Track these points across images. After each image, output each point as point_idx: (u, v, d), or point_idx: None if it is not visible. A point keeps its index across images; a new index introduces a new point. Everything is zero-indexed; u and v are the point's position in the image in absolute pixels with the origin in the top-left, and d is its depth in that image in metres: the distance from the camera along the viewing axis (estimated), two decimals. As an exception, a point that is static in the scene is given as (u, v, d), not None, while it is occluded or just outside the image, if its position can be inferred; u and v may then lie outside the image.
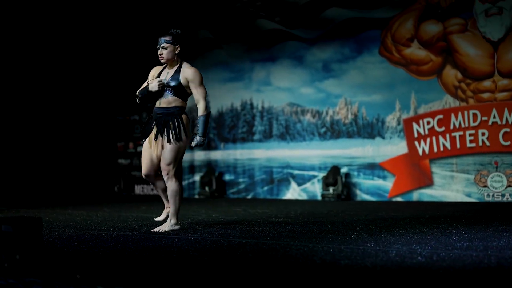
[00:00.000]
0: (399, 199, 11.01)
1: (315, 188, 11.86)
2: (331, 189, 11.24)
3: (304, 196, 11.95)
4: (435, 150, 10.75)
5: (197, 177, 13.23)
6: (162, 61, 6.10)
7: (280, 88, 12.39)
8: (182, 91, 5.99)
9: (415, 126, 10.95)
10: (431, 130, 10.80)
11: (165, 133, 5.93)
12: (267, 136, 12.51)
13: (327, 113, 11.88)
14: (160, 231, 5.76)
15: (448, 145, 10.64)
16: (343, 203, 10.49)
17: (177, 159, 5.92)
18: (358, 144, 11.55)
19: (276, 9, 12.31)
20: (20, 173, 12.56)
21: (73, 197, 12.78)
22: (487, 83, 10.37)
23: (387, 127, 11.26)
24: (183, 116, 6.07)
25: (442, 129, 10.70)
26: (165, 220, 6.07)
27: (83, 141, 13.74)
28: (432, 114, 10.82)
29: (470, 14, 10.51)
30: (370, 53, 11.40)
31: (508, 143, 10.16)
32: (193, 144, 5.98)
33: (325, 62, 11.90)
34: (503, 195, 10.17)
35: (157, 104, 6.07)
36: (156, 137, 5.96)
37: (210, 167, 13.02)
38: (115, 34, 13.78)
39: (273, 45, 12.40)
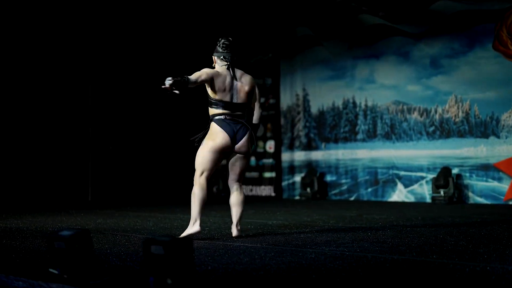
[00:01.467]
0: (516, 202, 10.36)
1: (424, 190, 11.32)
2: (442, 191, 10.68)
3: (411, 198, 11.44)
4: (557, 150, 10.06)
5: (297, 178, 12.92)
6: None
7: (385, 86, 11.91)
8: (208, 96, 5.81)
9: (533, 124, 10.27)
10: (552, 129, 10.10)
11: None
12: (371, 135, 12.05)
13: (435, 111, 11.32)
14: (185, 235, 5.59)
15: None
16: (457, 207, 9.95)
17: (199, 164, 5.66)
18: (470, 144, 10.94)
19: (380, 3, 11.83)
20: (28, 174, 11.99)
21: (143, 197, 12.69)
22: None
23: (502, 126, 10.61)
24: (212, 124, 5.78)
25: None
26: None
27: (164, 140, 13.62)
28: (553, 112, 10.12)
29: None
30: (483, 47, 10.77)
31: None
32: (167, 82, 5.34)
33: (433, 57, 11.33)
34: None
35: None
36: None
37: (311, 167, 12.67)
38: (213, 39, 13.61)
39: (377, 41, 11.92)
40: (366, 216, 8.07)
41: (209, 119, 5.77)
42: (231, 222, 5.89)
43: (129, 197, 12.45)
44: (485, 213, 8.58)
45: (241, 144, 5.68)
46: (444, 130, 11.25)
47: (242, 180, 5.87)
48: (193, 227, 5.56)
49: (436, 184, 10.76)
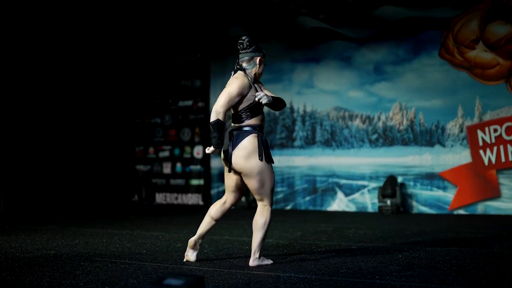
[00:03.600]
0: (461, 211, 10.28)
1: (365, 199, 11.04)
2: (388, 201, 10.43)
3: (352, 208, 11.12)
4: (503, 159, 10.06)
5: (228, 186, 12.25)
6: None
7: (325, 91, 11.53)
8: (235, 109, 5.21)
9: (480, 133, 10.24)
10: (499, 138, 10.10)
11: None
12: (310, 142, 11.63)
13: (379, 118, 11.08)
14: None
15: (517, 154, 9.97)
16: (407, 217, 9.73)
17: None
18: (414, 152, 10.78)
19: (320, 6, 11.44)
20: (28, 182, 11.38)
21: (88, 208, 11.69)
22: (562, 89, 9.74)
23: (448, 135, 10.52)
24: (251, 135, 5.13)
25: (511, 137, 10.02)
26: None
27: (97, 145, 12.63)
28: (499, 121, 10.12)
29: (544, 15, 9.86)
30: (429, 55, 10.64)
31: None
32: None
33: (377, 64, 11.09)
34: None
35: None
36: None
37: (245, 175, 12.05)
38: (135, 33, 12.70)
39: (317, 44, 11.52)
40: (347, 231, 7.58)
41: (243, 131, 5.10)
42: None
43: (44, 208, 11.32)
44: (463, 224, 8.37)
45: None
46: (387, 138, 11.03)
47: (260, 200, 5.11)
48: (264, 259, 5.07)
49: (383, 194, 10.50)
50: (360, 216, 10.11)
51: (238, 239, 6.76)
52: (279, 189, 11.81)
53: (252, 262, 5.00)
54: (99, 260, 5.26)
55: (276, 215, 10.16)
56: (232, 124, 5.16)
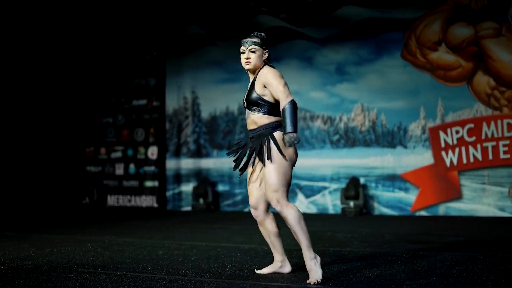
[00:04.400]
0: (423, 213, 10.30)
1: (326, 201, 10.94)
2: (352, 203, 10.35)
3: (313, 209, 11.00)
4: (465, 161, 10.12)
5: (184, 188, 11.96)
6: (247, 66, 4.94)
7: (286, 91, 11.33)
8: (263, 103, 4.74)
9: (442, 135, 10.27)
10: (460, 140, 10.16)
11: (258, 158, 4.73)
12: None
13: (340, 119, 10.99)
14: (315, 281, 4.47)
15: (479, 156, 10.03)
16: (374, 219, 9.67)
17: (284, 183, 4.69)
18: (376, 154, 10.73)
19: (281, 5, 11.26)
20: None
21: (37, 212, 11.17)
22: (523, 92, 9.86)
23: (410, 136, 10.52)
24: (276, 134, 4.70)
25: (473, 139, 10.08)
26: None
27: (45, 146, 12.11)
28: (461, 123, 10.18)
29: (505, 18, 9.95)
30: (391, 56, 10.61)
31: (546, 155, 9.70)
32: (287, 143, 4.52)
33: (339, 64, 10.99)
34: (540, 209, 9.70)
35: (247, 127, 4.91)
36: (246, 167, 4.84)
37: (203, 176, 11.77)
38: (87, 29, 12.22)
39: (277, 44, 11.33)
40: (324, 234, 7.41)
41: (266, 128, 4.74)
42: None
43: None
44: (432, 226, 8.34)
45: None
46: (349, 139, 10.95)
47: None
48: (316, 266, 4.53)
49: (346, 195, 10.41)
50: (322, 218, 9.98)
51: (221, 245, 6.51)
52: (237, 191, 11.58)
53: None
54: (86, 271, 4.91)
55: (239, 218, 9.97)
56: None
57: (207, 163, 11.88)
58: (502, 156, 9.92)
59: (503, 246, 6.17)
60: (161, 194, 12.06)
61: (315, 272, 4.45)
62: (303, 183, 11.13)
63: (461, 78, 10.21)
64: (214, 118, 11.85)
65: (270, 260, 5.46)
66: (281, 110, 4.61)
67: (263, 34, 5.03)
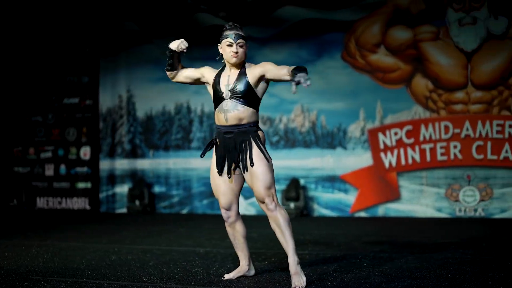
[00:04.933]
0: (362, 214, 10.36)
1: (266, 202, 10.82)
2: (292, 204, 10.30)
3: (251, 211, 10.88)
4: (403, 162, 10.24)
5: (118, 189, 11.61)
6: (233, 60, 4.81)
7: (225, 91, 11.17)
8: (253, 96, 4.67)
9: (381, 136, 10.37)
10: (399, 142, 10.28)
11: (244, 158, 4.59)
12: (208, 143, 11.22)
13: (280, 120, 10.92)
14: (300, 285, 4.32)
15: (417, 157, 10.18)
16: (313, 220, 9.65)
17: (274, 182, 4.60)
18: (316, 155, 10.73)
19: (220, 4, 11.10)
20: None
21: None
22: (459, 95, 10.06)
23: (349, 137, 10.57)
24: (260, 133, 4.70)
25: (411, 140, 10.22)
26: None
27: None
28: (400, 125, 10.30)
29: (442, 22, 10.13)
30: (331, 57, 10.63)
31: (481, 156, 9.92)
32: (295, 84, 4.27)
33: (279, 64, 10.88)
34: (475, 210, 9.92)
35: (221, 120, 4.67)
36: (230, 169, 4.69)
37: (139, 177, 11.45)
38: (15, 23, 11.69)
39: (216, 42, 11.11)
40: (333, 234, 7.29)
41: (252, 126, 4.64)
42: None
43: None
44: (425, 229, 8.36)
45: None
46: (289, 140, 10.90)
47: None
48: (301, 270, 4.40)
49: (287, 197, 10.35)
50: (263, 219, 9.88)
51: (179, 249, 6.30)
52: (174, 192, 11.34)
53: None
54: (42, 279, 4.61)
55: (179, 220, 9.72)
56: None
57: (142, 164, 11.58)
58: (439, 158, 10.10)
59: (458, 247, 6.23)
60: (94, 196, 11.66)
61: (299, 276, 4.34)
62: (242, 184, 10.98)
63: (400, 81, 10.33)
64: (150, 118, 11.55)
65: (231, 264, 5.31)
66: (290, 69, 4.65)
67: (239, 25, 4.84)
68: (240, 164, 4.58)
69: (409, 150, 10.22)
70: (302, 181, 10.64)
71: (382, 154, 10.34)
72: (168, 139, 11.43)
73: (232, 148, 4.60)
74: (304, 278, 4.32)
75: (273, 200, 4.47)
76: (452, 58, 10.08)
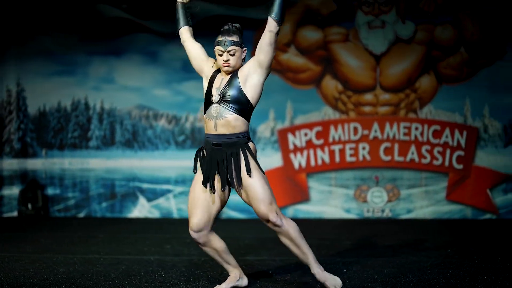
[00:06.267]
0: (271, 215, 10.18)
1: (171, 204, 10.40)
2: (201, 206, 9.92)
3: (156, 214, 10.40)
4: (313, 163, 10.21)
5: (6, 191, 10.68)
6: (226, 69, 4.45)
7: (127, 88, 10.60)
8: (244, 103, 4.33)
9: (291, 137, 10.27)
10: (309, 143, 10.23)
11: (237, 173, 4.25)
12: (108, 143, 10.61)
13: (186, 119, 10.52)
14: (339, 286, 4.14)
15: (326, 158, 10.18)
16: (224, 222, 9.37)
17: (273, 195, 4.34)
18: (224, 155, 10.41)
19: (123, -6, 10.52)
20: None
21: None
22: (368, 97, 10.18)
23: (259, 138, 10.38)
24: (251, 145, 4.41)
25: (321, 141, 10.21)
26: None
27: None
28: (310, 126, 10.25)
29: (352, 24, 10.20)
30: (241, 55, 10.35)
31: (389, 158, 10.10)
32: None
33: (186, 61, 10.38)
34: (383, 211, 10.08)
35: (210, 128, 4.32)
36: (213, 183, 4.30)
37: (30, 179, 10.57)
38: None
39: (118, 36, 10.56)
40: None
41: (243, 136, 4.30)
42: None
43: None
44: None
45: None
46: (195, 140, 10.52)
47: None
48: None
49: (196, 199, 9.96)
50: (169, 223, 9.51)
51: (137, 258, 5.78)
52: (70, 194, 10.59)
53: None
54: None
55: (84, 224, 9.04)
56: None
57: (34, 164, 10.70)
58: (348, 159, 10.16)
59: (398, 250, 6.22)
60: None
61: (332, 279, 4.10)
62: (145, 185, 10.48)
63: (310, 81, 10.29)
64: (43, 114, 10.71)
65: (203, 272, 4.93)
66: (272, 24, 4.50)
67: (238, 25, 4.41)
68: (233, 179, 4.18)
69: (319, 151, 10.19)
70: (209, 183, 10.29)
71: (292, 155, 10.24)
72: (64, 138, 10.65)
73: (221, 161, 4.20)
74: (337, 279, 4.12)
75: (278, 215, 4.18)
76: (361, 60, 10.18)
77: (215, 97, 4.32)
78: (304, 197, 10.19)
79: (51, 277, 4.71)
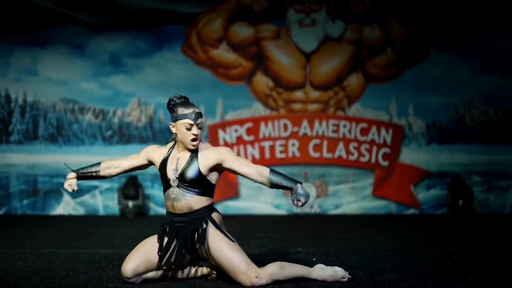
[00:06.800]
0: (201, 212, 10.09)
1: (97, 201, 10.09)
2: (131, 203, 9.69)
3: (80, 211, 10.06)
4: (243, 160, 10.17)
5: None
6: (194, 143, 4.12)
7: (52, 80, 10.21)
8: (205, 185, 4.11)
9: (221, 133, 10.22)
10: (239, 139, 10.22)
11: (199, 244, 4.05)
12: (30, 137, 10.16)
13: (114, 113, 10.24)
14: (346, 275, 4.16)
15: (257, 154, 10.20)
16: (152, 219, 9.17)
17: (246, 256, 4.03)
18: (154, 151, 10.20)
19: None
20: None
21: None
22: (298, 94, 10.28)
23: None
24: (215, 216, 4.19)
25: (251, 137, 10.22)
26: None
27: None
28: (240, 122, 10.24)
29: (284, 22, 10.28)
30: (172, 50, 10.24)
31: (318, 154, 10.23)
32: (301, 202, 3.94)
33: (114, 54, 10.24)
34: (311, 207, 10.20)
35: (169, 207, 4.13)
36: (179, 256, 4.11)
37: None
38: None
39: (43, 26, 10.15)
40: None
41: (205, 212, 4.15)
42: None
43: None
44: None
45: None
46: (123, 135, 10.26)
47: None
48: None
49: (125, 195, 9.72)
50: (100, 220, 9.21)
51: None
52: (-11, 191, 10.08)
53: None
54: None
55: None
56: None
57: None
58: (278, 155, 10.21)
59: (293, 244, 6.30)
60: None
61: (335, 272, 4.07)
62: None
63: (241, 77, 10.27)
64: (-40, 107, 10.13)
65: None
66: (267, 176, 4.03)
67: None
68: (202, 253, 4.05)
69: (249, 147, 10.20)
70: (141, 178, 10.08)
71: (222, 151, 10.16)
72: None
73: (182, 236, 4.07)
74: (340, 269, 4.14)
75: (257, 277, 3.97)
76: (292, 58, 10.27)
77: (173, 181, 4.08)
78: (234, 194, 10.15)
79: None
